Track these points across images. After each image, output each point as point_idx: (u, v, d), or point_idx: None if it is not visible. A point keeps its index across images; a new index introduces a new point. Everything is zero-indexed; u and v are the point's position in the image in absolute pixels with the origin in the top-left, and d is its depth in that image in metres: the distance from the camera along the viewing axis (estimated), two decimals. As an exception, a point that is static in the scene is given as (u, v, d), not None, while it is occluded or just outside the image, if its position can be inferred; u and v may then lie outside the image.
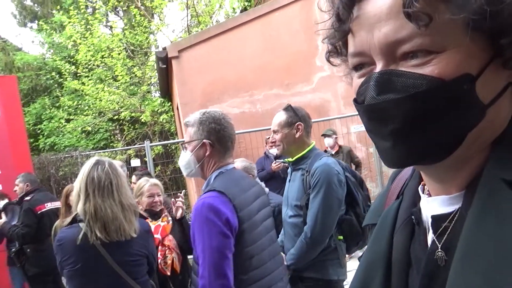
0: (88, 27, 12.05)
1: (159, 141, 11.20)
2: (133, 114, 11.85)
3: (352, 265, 3.16)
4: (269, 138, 5.94)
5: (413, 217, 0.61)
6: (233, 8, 12.50)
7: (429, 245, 0.57)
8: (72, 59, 12.82)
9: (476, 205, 0.50)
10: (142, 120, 11.44)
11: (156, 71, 9.83)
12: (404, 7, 0.48)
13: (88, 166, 1.94)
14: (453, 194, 0.56)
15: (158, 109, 11.46)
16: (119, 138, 13.42)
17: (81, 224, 1.90)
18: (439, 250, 0.55)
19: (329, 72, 7.22)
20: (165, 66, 7.49)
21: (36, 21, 16.52)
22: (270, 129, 6.43)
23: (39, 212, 4.31)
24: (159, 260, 2.65)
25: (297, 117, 2.32)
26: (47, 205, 4.41)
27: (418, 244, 0.60)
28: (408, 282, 0.59)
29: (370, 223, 0.75)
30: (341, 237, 2.33)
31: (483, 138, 0.53)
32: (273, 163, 5.28)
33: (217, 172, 1.78)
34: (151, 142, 7.46)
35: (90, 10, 14.37)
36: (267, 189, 3.08)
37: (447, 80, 0.48)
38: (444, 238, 0.55)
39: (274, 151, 5.72)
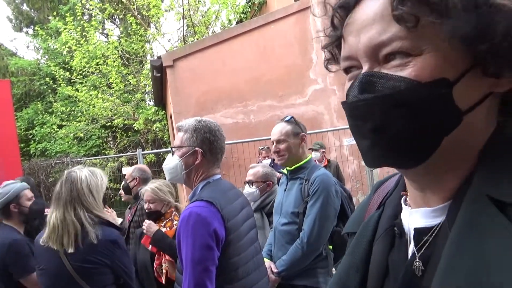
0: (84, 34, 12.07)
1: (152, 149, 11.16)
2: (126, 122, 11.82)
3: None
4: (262, 148, 5.97)
5: (395, 228, 0.62)
6: (229, 20, 12.62)
7: (409, 256, 0.58)
8: (66, 65, 12.82)
9: (459, 222, 0.50)
10: (135, 128, 11.42)
11: (150, 79, 9.84)
12: (393, 10, 0.51)
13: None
14: (435, 207, 0.56)
15: (152, 118, 11.46)
16: (111, 146, 13.36)
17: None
18: (417, 260, 0.56)
19: (322, 85, 7.29)
20: (159, 75, 7.52)
21: (32, 26, 16.53)
22: (263, 139, 6.39)
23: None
24: (155, 267, 2.68)
25: (300, 129, 2.39)
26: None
27: (398, 254, 0.61)
28: None
29: (349, 231, 0.76)
30: (331, 247, 2.36)
31: (464, 147, 0.53)
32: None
33: (204, 182, 1.77)
34: (143, 150, 7.44)
35: (86, 17, 14.42)
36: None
37: (423, 83, 0.50)
38: (423, 250, 0.56)
39: (267, 161, 5.74)
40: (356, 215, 0.78)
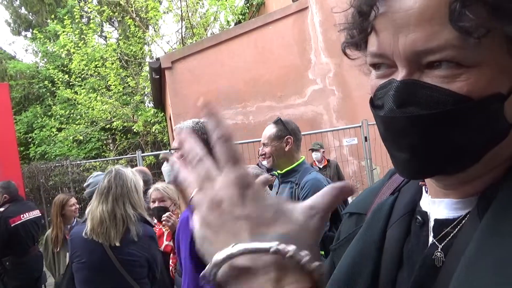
0: (82, 36, 12.07)
1: (152, 151, 11.14)
2: (125, 124, 11.82)
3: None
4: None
5: (418, 217, 0.58)
6: (228, 21, 12.62)
7: (428, 247, 0.54)
8: (65, 68, 12.81)
9: (494, 212, 0.46)
10: (135, 130, 11.41)
11: (149, 81, 9.84)
12: (453, 16, 0.42)
13: (105, 174, 2.19)
14: (460, 199, 0.53)
15: (151, 119, 11.44)
16: (111, 148, 13.34)
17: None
18: (439, 250, 0.52)
19: (321, 85, 7.29)
20: (158, 76, 7.51)
21: (31, 30, 16.52)
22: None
23: (13, 225, 4.12)
24: (171, 268, 2.74)
25: (287, 131, 2.33)
26: (23, 216, 4.23)
27: (415, 244, 0.57)
28: (396, 283, 0.56)
29: (352, 211, 0.72)
30: (323, 253, 2.33)
31: (501, 155, 0.50)
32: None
33: None
34: (143, 152, 7.43)
35: (85, 20, 14.43)
36: None
37: (475, 99, 0.44)
38: (445, 242, 0.52)
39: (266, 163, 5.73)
40: (365, 197, 0.73)
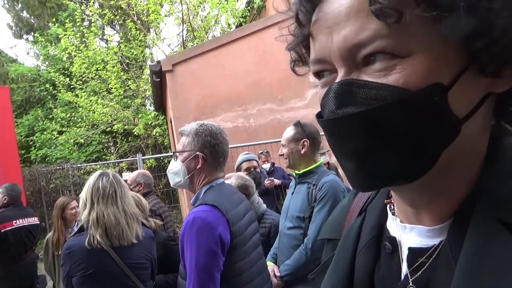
0: (83, 39, 12.10)
1: (152, 154, 11.14)
2: (126, 127, 11.82)
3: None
4: (261, 153, 5.94)
5: (387, 243, 0.54)
6: (229, 24, 12.64)
7: (402, 278, 0.51)
8: (66, 71, 12.83)
9: (469, 249, 0.43)
10: (136, 133, 11.41)
11: (150, 84, 9.85)
12: (370, 4, 0.42)
13: (93, 178, 2.10)
14: (432, 226, 0.49)
15: (152, 122, 11.45)
16: (112, 151, 13.35)
17: (89, 231, 2.04)
18: (411, 285, 0.49)
19: (322, 88, 7.29)
20: (159, 79, 7.52)
21: (32, 33, 16.57)
22: (263, 143, 6.44)
23: (2, 231, 4.03)
24: None
25: (304, 134, 2.37)
26: (16, 223, 4.14)
27: (387, 273, 0.53)
28: None
29: (327, 238, 0.69)
30: None
31: (463, 159, 0.46)
32: (266, 180, 5.27)
33: (207, 186, 1.75)
34: (143, 155, 7.42)
35: (86, 23, 14.46)
36: (264, 206, 3.04)
37: (413, 91, 0.42)
38: (419, 274, 0.49)
39: (267, 166, 5.72)
40: (335, 220, 0.70)
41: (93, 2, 12.98)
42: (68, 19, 12.61)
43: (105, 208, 1.99)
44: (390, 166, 0.45)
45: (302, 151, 2.35)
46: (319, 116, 0.51)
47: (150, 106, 13.46)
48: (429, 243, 0.49)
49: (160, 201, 4.00)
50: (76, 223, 3.98)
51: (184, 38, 12.76)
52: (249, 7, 11.48)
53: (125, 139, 12.30)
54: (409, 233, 0.52)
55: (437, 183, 0.47)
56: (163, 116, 11.16)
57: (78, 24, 12.35)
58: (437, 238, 0.49)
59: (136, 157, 6.25)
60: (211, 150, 1.74)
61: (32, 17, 17.31)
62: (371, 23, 0.42)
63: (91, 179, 2.09)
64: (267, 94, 7.10)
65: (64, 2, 13.05)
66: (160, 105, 10.40)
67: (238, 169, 3.92)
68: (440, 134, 0.44)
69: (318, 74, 0.52)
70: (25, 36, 17.85)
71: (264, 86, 7.09)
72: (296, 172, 2.42)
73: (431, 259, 0.48)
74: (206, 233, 1.52)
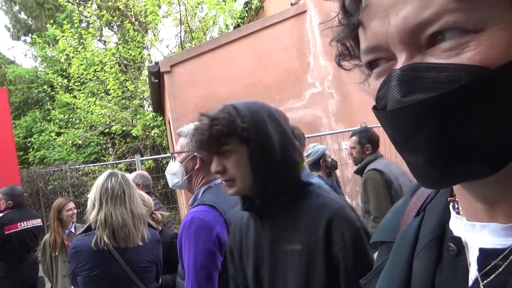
0: (81, 41, 12.09)
1: (151, 155, 11.14)
2: (124, 128, 11.81)
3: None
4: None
5: (451, 244, 0.49)
6: (227, 25, 12.65)
7: (470, 283, 0.45)
8: (64, 73, 12.82)
9: None
10: (134, 134, 11.40)
11: (148, 85, 9.85)
12: None
13: (102, 178, 2.08)
14: (509, 223, 0.43)
15: (150, 123, 11.44)
16: (110, 152, 13.33)
17: (97, 232, 2.03)
18: None
19: (320, 88, 7.29)
20: (157, 80, 7.51)
21: (30, 35, 16.54)
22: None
23: (6, 233, 4.06)
24: None
25: None
26: (20, 225, 4.17)
27: (453, 279, 0.48)
28: None
29: (381, 240, 0.63)
30: None
31: None
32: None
33: (205, 186, 1.74)
34: (142, 156, 7.42)
35: (84, 24, 14.45)
36: None
37: (493, 69, 0.37)
38: (492, 277, 0.43)
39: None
40: (390, 221, 0.64)
41: (91, 4, 12.94)
42: (65, 21, 12.61)
43: (114, 209, 1.98)
44: (468, 158, 0.39)
45: None
46: (376, 108, 0.46)
47: (148, 107, 13.46)
48: (506, 243, 0.43)
49: (159, 202, 4.01)
50: (73, 225, 3.99)
51: (182, 39, 12.76)
52: (247, 8, 11.48)
53: (123, 140, 12.28)
54: (479, 233, 0.46)
55: None
56: (162, 117, 11.15)
57: (76, 25, 12.34)
58: None
59: (134, 158, 6.24)
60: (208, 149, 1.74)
61: (30, 18, 17.28)
62: None
63: (100, 179, 2.09)
64: (265, 95, 7.10)
65: (62, 3, 13.04)
66: (158, 106, 10.39)
67: (317, 161, 3.86)
68: None
69: (371, 65, 0.47)
70: (22, 38, 17.82)
71: (262, 87, 7.09)
72: None
73: (508, 261, 0.42)
74: (204, 233, 1.52)
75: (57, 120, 12.46)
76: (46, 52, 13.94)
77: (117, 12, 12.84)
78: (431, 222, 0.53)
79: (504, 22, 0.37)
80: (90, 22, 13.36)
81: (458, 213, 0.50)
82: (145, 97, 12.98)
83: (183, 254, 1.57)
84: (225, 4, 12.12)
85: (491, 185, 0.43)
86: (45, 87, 13.42)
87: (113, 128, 11.63)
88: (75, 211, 4.08)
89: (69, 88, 12.38)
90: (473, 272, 0.45)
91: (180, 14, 11.84)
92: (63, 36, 11.85)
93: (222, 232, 1.54)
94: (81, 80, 11.96)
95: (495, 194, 0.44)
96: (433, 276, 0.49)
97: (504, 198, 0.43)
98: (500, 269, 0.43)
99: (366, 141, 3.38)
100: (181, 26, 12.24)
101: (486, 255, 0.44)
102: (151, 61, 12.96)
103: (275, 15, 7.60)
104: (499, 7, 0.37)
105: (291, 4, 7.69)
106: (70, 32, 11.91)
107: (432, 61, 0.39)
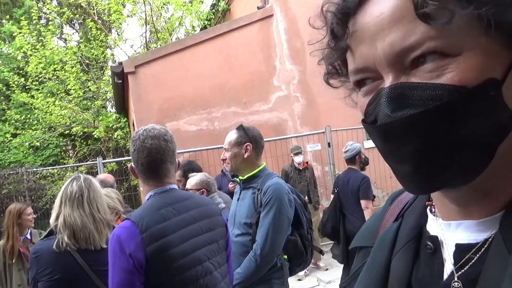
0: (40, 38, 11.59)
1: (114, 158, 10.83)
2: (86, 130, 11.43)
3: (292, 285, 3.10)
4: (226, 156, 5.93)
5: (428, 243, 0.53)
6: (193, 26, 12.55)
7: (445, 277, 0.50)
8: (21, 71, 12.22)
9: None
10: (96, 136, 11.05)
11: (111, 86, 9.59)
12: (417, 8, 0.42)
13: (66, 182, 2.08)
14: (481, 219, 0.48)
15: (113, 125, 11.13)
16: (70, 154, 12.85)
17: (57, 234, 1.98)
18: (456, 280, 0.48)
19: (286, 92, 7.38)
20: (121, 81, 7.34)
21: (-17, 30, 15.67)
22: (227, 147, 6.39)
23: None
24: None
25: (247, 137, 2.33)
26: None
27: (429, 274, 0.52)
28: None
29: (360, 245, 0.68)
30: (285, 257, 2.34)
31: None
32: (230, 183, 5.27)
33: (148, 195, 1.69)
34: (104, 159, 7.20)
35: (43, 21, 13.87)
36: (223, 205, 3.04)
37: (470, 88, 0.42)
38: (465, 269, 0.48)
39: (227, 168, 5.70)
40: (369, 227, 0.68)
41: (51, 0, 12.45)
42: (23, 17, 12.04)
43: (71, 211, 1.96)
44: (448, 167, 0.45)
45: (245, 155, 2.31)
46: (365, 122, 0.51)
47: (111, 108, 13.11)
48: (478, 238, 0.48)
49: (127, 206, 3.93)
50: (29, 230, 3.82)
51: (147, 40, 12.53)
52: (214, 10, 11.45)
53: (84, 142, 11.88)
54: (455, 230, 0.51)
55: (491, 180, 0.47)
56: (125, 118, 10.89)
57: (34, 22, 11.82)
58: (486, 231, 0.48)
59: (96, 160, 6.05)
60: (134, 159, 1.68)
61: (-16, 13, 16.39)
62: (418, 26, 0.43)
63: (65, 183, 2.09)
64: (231, 97, 7.10)
65: (19, -2, 12.48)
66: (122, 107, 10.14)
67: (353, 156, 4.36)
68: (497, 129, 0.44)
69: (359, 83, 0.51)
70: (-25, 33, 16.86)
71: (229, 89, 7.08)
72: (240, 177, 2.39)
73: (480, 253, 0.47)
74: (119, 251, 1.50)
75: (13, 121, 11.87)
76: (1, 49, 13.26)
77: (78, 10, 12.45)
78: (409, 224, 0.58)
79: (477, 48, 0.42)
80: (50, 19, 12.83)
81: (434, 215, 0.55)
82: (108, 98, 12.63)
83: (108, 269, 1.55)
84: (191, 6, 12.03)
85: (465, 191, 0.48)
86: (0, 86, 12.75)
87: (74, 129, 11.23)
88: (34, 215, 3.91)
89: (26, 87, 11.83)
90: (449, 267, 0.50)
91: (146, 14, 11.63)
92: (20, 33, 11.31)
93: (135, 253, 1.49)
94: (40, 79, 11.46)
95: (468, 198, 0.49)
96: (410, 274, 0.53)
97: (477, 200, 0.48)
98: (473, 261, 0.47)
99: None
100: (146, 26, 12.02)
101: (461, 250, 0.49)
102: (115, 61, 12.63)
103: (242, 18, 7.62)
104: (473, 35, 0.42)
105: (258, 8, 7.74)
106: (28, 29, 11.40)
107: (416, 81, 0.44)
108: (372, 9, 0.47)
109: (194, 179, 3.13)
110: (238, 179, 2.43)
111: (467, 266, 0.48)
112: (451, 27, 0.41)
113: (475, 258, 0.47)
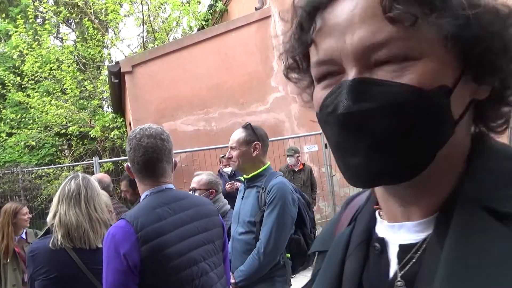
0: (36, 37, 11.53)
1: (110, 157, 10.80)
2: (82, 129, 11.38)
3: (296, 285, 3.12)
4: (223, 156, 5.91)
5: (376, 244, 0.56)
6: (190, 27, 12.53)
7: (390, 276, 0.53)
8: (17, 70, 12.15)
9: (454, 235, 0.46)
10: (92, 135, 11.01)
11: (108, 85, 9.56)
12: (385, 10, 0.45)
13: (65, 180, 2.06)
14: (419, 220, 0.51)
15: (110, 125, 11.09)
16: (66, 154, 12.80)
17: (53, 233, 1.98)
18: (399, 279, 0.51)
19: (283, 93, 7.38)
20: (117, 80, 7.31)
21: (-21, 29, 15.57)
22: (224, 147, 6.42)
23: None
24: None
25: (255, 136, 2.35)
26: None
27: (376, 273, 0.55)
28: None
29: (318, 250, 0.70)
30: (288, 255, 2.36)
31: (451, 157, 0.50)
32: (227, 184, 5.26)
33: (144, 194, 1.69)
34: (100, 159, 7.18)
35: (40, 20, 13.81)
36: (228, 206, 3.07)
37: (426, 90, 0.45)
38: (407, 268, 0.51)
39: (228, 169, 5.70)
40: (324, 233, 0.71)
41: (48, -1, 12.42)
42: (19, 15, 11.99)
43: (67, 209, 1.94)
44: (396, 162, 0.47)
45: (254, 154, 2.32)
46: (320, 115, 0.52)
47: (108, 108, 13.06)
48: (417, 238, 0.51)
49: (122, 205, 3.93)
50: (25, 230, 3.80)
51: (145, 40, 12.50)
52: (211, 10, 11.44)
53: (80, 142, 11.83)
54: (398, 231, 0.54)
55: (429, 181, 0.50)
56: (122, 118, 10.85)
57: (30, 20, 11.77)
58: (424, 232, 0.51)
59: (92, 160, 6.03)
60: (131, 159, 1.67)
61: (-20, 11, 16.29)
62: (387, 26, 0.45)
63: (64, 182, 2.07)
64: (228, 97, 7.10)
65: (15, -3, 12.41)
66: (119, 107, 10.11)
67: None
68: (441, 133, 0.48)
69: (319, 77, 0.53)
70: (-29, 32, 16.76)
71: (226, 89, 7.08)
72: (245, 176, 2.41)
73: (419, 253, 0.50)
74: (113, 251, 1.49)
75: (8, 120, 11.81)
76: (-3, 47, 13.20)
77: (75, 9, 12.40)
78: (360, 228, 0.61)
79: (435, 55, 0.46)
80: (46, 18, 12.76)
81: (381, 218, 0.58)
82: (105, 97, 12.59)
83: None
84: (189, 6, 12.01)
85: (407, 189, 0.51)
86: (-5, 84, 12.68)
87: (70, 129, 11.18)
88: (30, 215, 3.89)
89: (22, 86, 11.77)
90: (393, 266, 0.53)
91: (143, 14, 11.60)
92: (16, 32, 11.25)
93: (129, 253, 1.48)
94: (36, 78, 11.41)
95: (410, 197, 0.52)
96: (361, 274, 0.56)
97: (416, 201, 0.51)
98: (414, 260, 0.50)
99: None
100: (143, 26, 11.99)
101: (403, 250, 0.52)
102: (112, 61, 12.59)
103: (240, 18, 7.62)
104: (433, 42, 0.46)
105: (256, 9, 7.75)
106: (24, 27, 11.34)
107: (379, 78, 0.46)
108: (343, 5, 0.48)
109: (202, 179, 3.07)
110: (242, 178, 2.45)
111: (409, 266, 0.51)
112: (415, 32, 0.44)
113: (415, 258, 0.50)
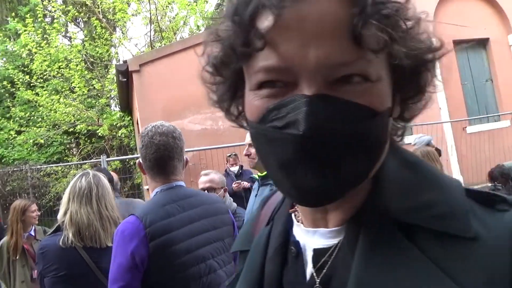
0: (45, 36, 11.63)
1: (117, 156, 10.86)
2: (90, 128, 11.46)
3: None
4: (230, 155, 5.92)
5: (292, 247, 0.57)
6: (198, 26, 12.55)
7: (307, 278, 0.55)
8: (26, 69, 12.26)
9: (362, 249, 0.48)
10: (100, 134, 11.08)
11: (116, 84, 9.61)
12: (356, 31, 0.43)
13: (75, 178, 2.06)
14: (333, 228, 0.54)
15: (117, 123, 11.16)
16: (74, 152, 12.90)
17: (64, 231, 1.98)
18: (317, 285, 0.53)
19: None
20: (125, 79, 7.35)
21: (-11, 28, 15.74)
22: (231, 146, 6.41)
23: None
24: None
25: None
26: None
27: (294, 276, 0.56)
28: None
29: (239, 249, 0.71)
30: None
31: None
32: (234, 183, 5.27)
33: (155, 191, 1.70)
34: (108, 157, 7.22)
35: (48, 19, 13.92)
36: (235, 204, 3.09)
37: (379, 112, 0.47)
38: (323, 272, 0.53)
39: (235, 169, 5.71)
40: (245, 232, 0.72)
41: (56, -2, 12.50)
42: (28, 15, 12.08)
43: (79, 208, 1.95)
44: (346, 182, 0.48)
45: None
46: (264, 126, 0.48)
47: (116, 106, 13.13)
48: (330, 243, 0.53)
49: (118, 196, 3.93)
50: (33, 227, 3.83)
51: (152, 39, 12.55)
52: (218, 10, 11.44)
53: (88, 140, 11.91)
54: (312, 236, 0.56)
55: (347, 195, 0.51)
56: (129, 117, 10.91)
57: (39, 20, 11.86)
58: (335, 238, 0.53)
59: (100, 158, 6.06)
60: (143, 156, 1.68)
61: (-11, 11, 16.46)
62: (354, 46, 0.45)
63: (73, 179, 2.07)
64: (236, 97, 7.10)
65: (24, -4, 12.52)
66: (126, 106, 10.16)
67: None
68: (383, 151, 0.51)
69: (260, 85, 0.48)
70: (-19, 31, 16.95)
71: (233, 88, 7.08)
72: (259, 174, 2.41)
73: (332, 257, 0.53)
74: (122, 247, 1.50)
75: (17, 118, 11.91)
76: (6, 46, 13.32)
77: (83, 8, 12.46)
78: (278, 229, 0.61)
79: (387, 79, 0.49)
80: (55, 17, 12.86)
81: (298, 221, 0.59)
82: (112, 96, 12.66)
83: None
84: (196, 5, 12.03)
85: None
86: (4, 83, 12.76)
87: (78, 127, 11.26)
88: (38, 212, 3.92)
89: (31, 84, 11.88)
90: (309, 269, 0.55)
91: (150, 13, 11.64)
92: (25, 31, 11.35)
93: (137, 249, 1.49)
94: (44, 77, 11.50)
95: (330, 207, 0.53)
96: (281, 276, 0.57)
97: (334, 209, 0.53)
98: (329, 264, 0.52)
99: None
100: (151, 25, 12.04)
101: (317, 253, 0.54)
102: (119, 60, 12.66)
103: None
104: (387, 68, 0.48)
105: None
106: (33, 26, 11.44)
107: (341, 96, 0.45)
108: (302, 8, 0.44)
109: (214, 177, 3.10)
110: (257, 176, 2.46)
111: (325, 269, 0.53)
112: (375, 56, 0.45)
113: (329, 262, 0.52)
